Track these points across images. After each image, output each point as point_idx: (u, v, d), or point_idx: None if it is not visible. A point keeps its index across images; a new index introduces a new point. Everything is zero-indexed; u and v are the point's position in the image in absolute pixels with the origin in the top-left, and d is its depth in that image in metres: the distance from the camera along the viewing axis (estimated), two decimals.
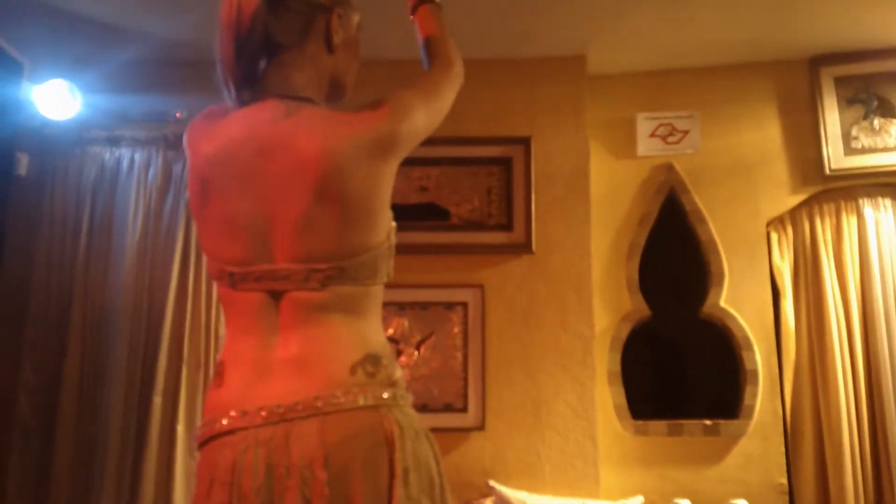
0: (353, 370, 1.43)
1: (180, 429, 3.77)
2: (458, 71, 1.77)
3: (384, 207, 1.52)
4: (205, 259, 3.88)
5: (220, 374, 1.49)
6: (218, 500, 1.37)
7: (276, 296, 1.47)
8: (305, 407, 1.37)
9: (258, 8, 1.49)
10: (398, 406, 1.45)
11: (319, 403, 1.37)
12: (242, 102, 1.54)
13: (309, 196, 1.44)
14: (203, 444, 1.46)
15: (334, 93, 1.67)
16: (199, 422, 3.75)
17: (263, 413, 1.38)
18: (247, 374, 1.45)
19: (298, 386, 1.40)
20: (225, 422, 1.42)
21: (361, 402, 1.40)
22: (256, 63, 1.52)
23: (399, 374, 1.50)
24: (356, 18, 1.71)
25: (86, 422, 3.82)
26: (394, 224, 1.57)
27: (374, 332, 1.53)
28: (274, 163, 1.47)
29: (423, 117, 1.58)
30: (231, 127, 1.52)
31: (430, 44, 1.80)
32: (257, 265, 1.47)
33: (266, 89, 1.54)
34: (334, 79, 1.65)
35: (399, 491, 1.36)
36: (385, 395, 1.43)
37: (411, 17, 1.87)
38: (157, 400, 3.81)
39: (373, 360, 1.46)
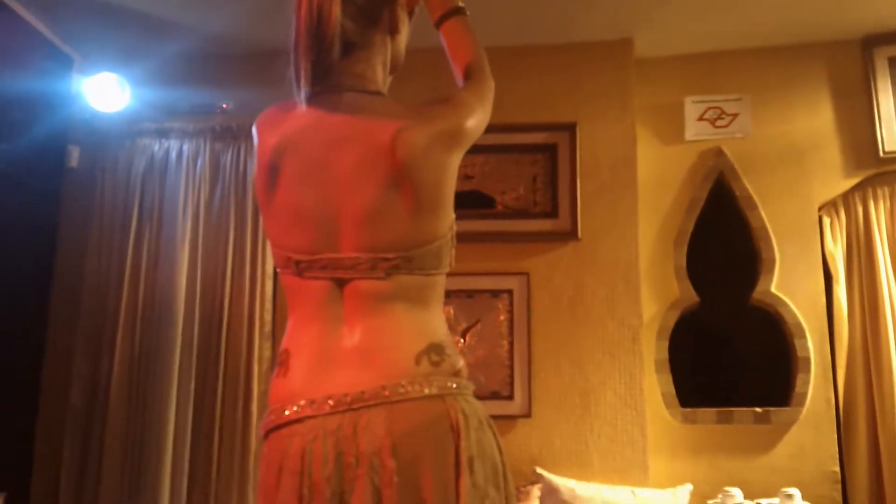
0: (418, 360, 1.44)
1: (221, 418, 3.84)
2: (493, 86, 1.74)
3: (450, 198, 1.55)
4: (251, 250, 3.95)
5: (283, 363, 1.50)
6: (288, 487, 1.39)
7: (341, 285, 1.49)
8: (372, 396, 1.39)
9: (337, 13, 1.50)
10: (463, 395, 1.45)
11: (386, 392, 1.39)
12: (313, 97, 1.54)
13: (380, 186, 1.47)
14: (270, 432, 1.47)
15: (391, 70, 1.70)
16: (240, 411, 3.81)
17: (331, 402, 1.40)
18: (312, 363, 1.47)
19: (364, 375, 1.41)
20: (294, 409, 1.43)
21: (427, 391, 1.41)
22: (331, 61, 1.53)
23: (462, 363, 1.51)
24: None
25: (136, 411, 3.89)
26: (453, 215, 1.58)
27: (437, 321, 1.54)
28: (345, 154, 1.49)
29: (480, 118, 1.62)
30: (302, 119, 1.54)
31: (466, 60, 1.76)
32: (324, 254, 1.49)
33: (338, 84, 1.56)
34: (394, 58, 1.69)
35: (465, 479, 1.37)
36: (450, 384, 1.44)
37: (437, 28, 1.82)
38: (205, 389, 3.90)
39: (437, 349, 1.47)
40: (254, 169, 1.64)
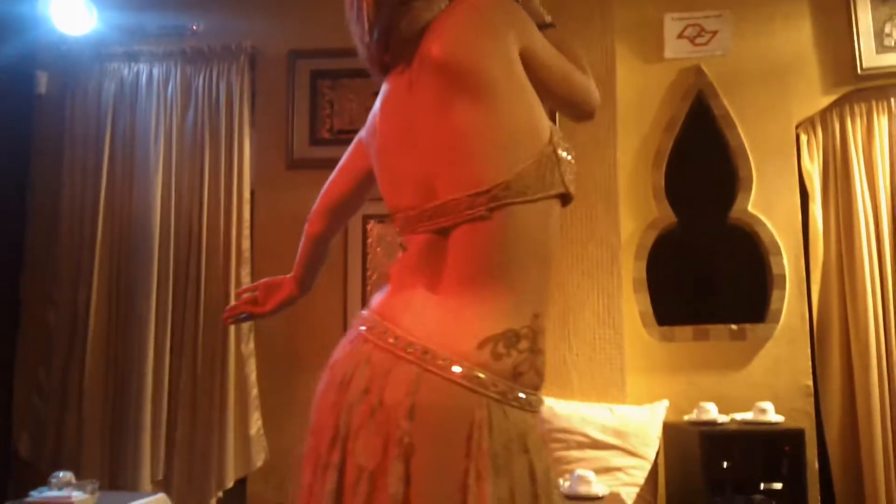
0: (482, 345, 1.34)
1: (201, 346, 3.86)
2: (591, 86, 1.61)
3: (519, 93, 1.42)
4: (226, 175, 3.91)
5: (388, 279, 1.51)
6: (323, 388, 1.45)
7: (445, 234, 1.42)
8: (415, 352, 1.34)
9: None
10: (503, 405, 1.33)
11: (427, 356, 1.33)
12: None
13: (444, 110, 1.41)
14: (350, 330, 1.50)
15: None
16: (219, 335, 3.85)
17: (389, 337, 1.38)
18: (398, 293, 1.46)
19: (423, 330, 1.36)
20: (361, 322, 1.46)
21: (465, 381, 1.31)
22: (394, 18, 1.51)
23: (530, 368, 1.38)
24: None
25: (116, 337, 3.89)
26: (548, 127, 1.44)
27: (530, 296, 1.41)
28: (413, 94, 1.48)
29: (544, 43, 1.52)
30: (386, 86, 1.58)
31: None
32: (422, 205, 1.44)
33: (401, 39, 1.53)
34: None
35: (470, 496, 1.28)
36: (492, 391, 1.32)
37: None
38: (184, 314, 3.91)
39: (510, 339, 1.36)
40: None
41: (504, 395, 1.34)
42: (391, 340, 1.37)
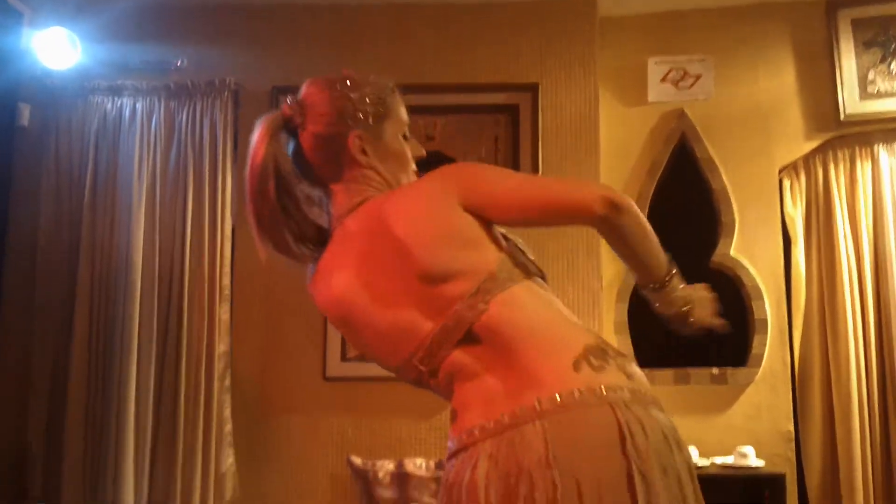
0: (577, 367, 1.33)
1: (183, 381, 3.80)
2: (581, 188, 1.58)
3: (469, 221, 1.48)
4: (209, 211, 3.88)
5: (453, 416, 1.46)
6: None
7: (466, 342, 1.42)
8: (527, 410, 1.31)
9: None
10: (641, 405, 1.33)
11: (541, 406, 1.31)
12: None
13: (408, 257, 1.46)
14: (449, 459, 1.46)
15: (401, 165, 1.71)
16: (203, 372, 3.81)
17: (490, 425, 1.34)
18: (470, 405, 1.41)
19: (518, 398, 1.34)
20: (451, 445, 1.42)
21: (591, 398, 1.30)
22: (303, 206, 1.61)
23: (634, 372, 1.39)
24: (390, 127, 1.67)
25: (98, 377, 3.83)
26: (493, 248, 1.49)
27: (580, 327, 1.45)
28: (385, 255, 1.49)
29: (496, 173, 1.63)
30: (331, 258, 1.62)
31: None
32: (428, 337, 1.44)
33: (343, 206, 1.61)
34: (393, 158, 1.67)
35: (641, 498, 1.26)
36: (620, 393, 1.32)
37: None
38: (167, 351, 3.86)
39: (596, 352, 1.36)
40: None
41: (634, 393, 1.34)
42: (499, 421, 1.34)
